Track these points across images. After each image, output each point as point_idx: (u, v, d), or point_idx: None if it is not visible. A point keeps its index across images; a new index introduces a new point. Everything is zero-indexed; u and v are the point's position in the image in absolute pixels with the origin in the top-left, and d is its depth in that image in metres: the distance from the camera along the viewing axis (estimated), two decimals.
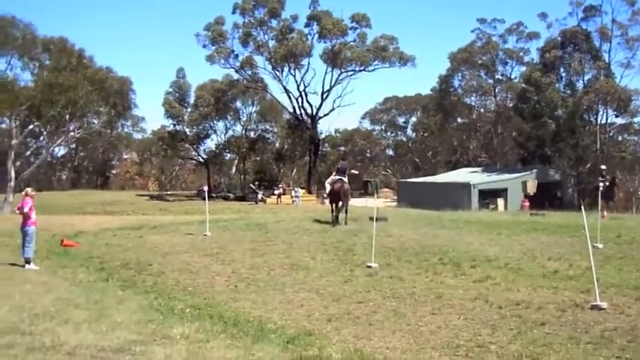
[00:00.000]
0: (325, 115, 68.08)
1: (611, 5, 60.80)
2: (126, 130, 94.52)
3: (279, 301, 11.40)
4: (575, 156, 61.02)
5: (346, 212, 24.21)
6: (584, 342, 8.65)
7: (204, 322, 9.44)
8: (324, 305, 11.06)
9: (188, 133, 72.72)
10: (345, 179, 24.44)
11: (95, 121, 65.91)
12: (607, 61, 61.12)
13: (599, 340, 8.72)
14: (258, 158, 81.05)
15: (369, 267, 14.59)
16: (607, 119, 62.19)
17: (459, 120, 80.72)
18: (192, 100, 72.35)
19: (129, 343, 7.91)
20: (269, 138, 79.41)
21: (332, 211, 24.45)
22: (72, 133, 54.52)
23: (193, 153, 79.03)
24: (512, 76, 72.78)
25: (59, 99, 44.84)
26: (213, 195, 58.70)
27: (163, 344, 7.99)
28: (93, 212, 36.51)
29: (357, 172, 29.62)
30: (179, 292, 12.22)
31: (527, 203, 46.71)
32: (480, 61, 71.83)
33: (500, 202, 49.92)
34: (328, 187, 25.44)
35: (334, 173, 25.45)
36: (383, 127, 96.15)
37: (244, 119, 77.85)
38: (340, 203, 24.15)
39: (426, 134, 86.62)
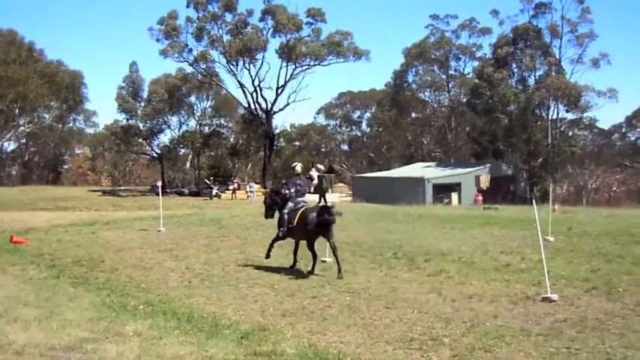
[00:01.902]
0: (280, 110, 67.84)
1: (560, 2, 61.75)
2: (78, 124, 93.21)
3: (234, 297, 11.34)
4: (527, 150, 61.97)
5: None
6: (535, 333, 8.76)
7: (158, 318, 9.32)
8: (279, 300, 11.03)
9: (141, 127, 71.79)
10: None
11: (46, 116, 65.13)
12: (557, 57, 62.09)
13: (550, 332, 8.86)
14: (212, 153, 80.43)
15: (324, 262, 14.59)
16: (558, 114, 63.25)
17: (414, 115, 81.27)
18: (145, 94, 71.49)
19: (80, 340, 7.77)
20: (224, 133, 78.82)
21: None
22: (22, 128, 53.68)
23: (147, 148, 78.09)
24: (466, 72, 73.66)
25: (8, 93, 44.08)
26: (167, 190, 58.27)
27: (115, 342, 7.89)
28: (44, 208, 35.91)
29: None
30: (132, 288, 12.09)
31: (480, 197, 47.25)
32: (433, 57, 72.38)
33: (455, 196, 50.34)
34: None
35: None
36: (338, 122, 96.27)
37: (199, 114, 77.16)
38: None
39: (380, 129, 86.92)
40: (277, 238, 14.76)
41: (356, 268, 13.96)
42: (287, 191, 14.85)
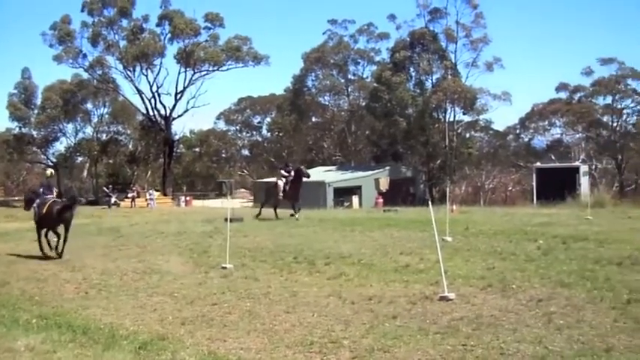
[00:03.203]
0: (179, 116, 67.20)
1: (455, 7, 63.17)
2: None
3: (132, 307, 11.12)
4: (426, 153, 63.12)
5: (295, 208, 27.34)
6: (433, 332, 8.90)
7: (52, 332, 9.05)
8: (178, 309, 10.87)
9: (35, 135, 69.80)
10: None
11: None
12: (453, 61, 63.64)
13: (447, 330, 9.01)
14: (110, 161, 78.73)
15: (224, 268, 14.48)
16: (455, 117, 64.67)
17: (314, 119, 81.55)
18: (39, 101, 69.43)
19: None
20: (122, 140, 77.29)
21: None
22: None
23: (42, 157, 75.83)
24: (364, 76, 74.16)
25: None
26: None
27: (6, 358, 7.62)
28: None
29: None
30: (25, 302, 11.68)
31: (381, 200, 47.94)
32: (332, 61, 72.76)
33: (355, 199, 50.90)
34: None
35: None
36: (238, 127, 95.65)
37: (95, 121, 75.20)
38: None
39: (281, 134, 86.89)
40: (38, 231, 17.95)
41: (257, 274, 13.88)
42: (40, 190, 18.75)
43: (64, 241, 17.38)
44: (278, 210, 28.11)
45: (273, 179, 31.94)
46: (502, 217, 27.52)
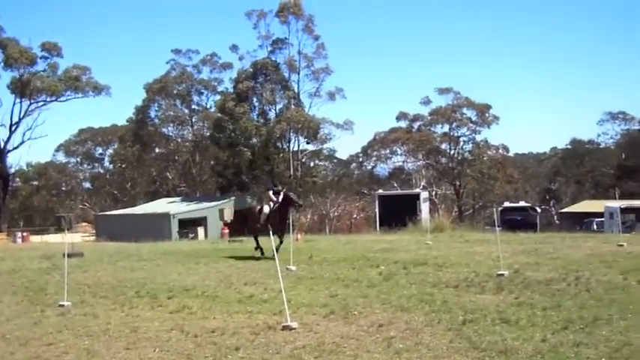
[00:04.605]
0: (15, 148, 64.23)
1: (297, 38, 64.38)
2: None
3: None
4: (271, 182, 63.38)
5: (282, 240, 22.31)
6: None
7: None
8: (10, 351, 10.27)
9: None
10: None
11: None
12: (296, 91, 64.76)
13: (289, 359, 9.08)
14: None
15: (62, 306, 13.86)
16: (299, 146, 65.80)
17: (157, 150, 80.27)
18: None
19: None
20: None
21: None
22: None
23: None
24: (208, 106, 73.89)
25: None
26: None
27: None
28: None
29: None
30: None
31: (226, 230, 47.53)
32: (175, 91, 72.08)
33: (201, 230, 50.39)
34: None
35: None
36: (79, 159, 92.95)
37: None
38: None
39: (124, 165, 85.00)
40: None
41: (96, 310, 13.38)
42: None
43: None
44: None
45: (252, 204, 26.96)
46: (345, 244, 27.97)
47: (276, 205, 23.13)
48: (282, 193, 23.65)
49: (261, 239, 22.53)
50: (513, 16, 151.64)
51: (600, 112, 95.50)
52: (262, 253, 22.24)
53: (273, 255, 13.20)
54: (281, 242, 21.95)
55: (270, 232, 16.87)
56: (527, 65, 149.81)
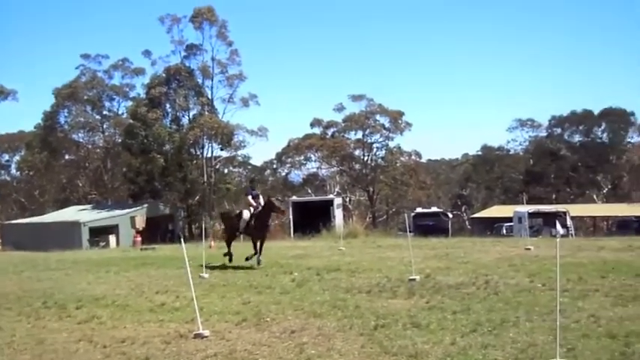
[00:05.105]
0: None
1: (211, 44, 63.96)
2: None
3: None
4: (184, 189, 62.90)
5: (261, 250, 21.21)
6: None
7: None
8: None
9: None
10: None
11: None
12: (210, 97, 64.31)
13: None
14: None
15: None
16: (212, 153, 65.34)
17: (67, 157, 78.21)
18: None
19: None
20: None
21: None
22: None
23: None
24: (120, 112, 72.43)
25: None
26: None
27: None
28: None
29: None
30: None
31: (139, 238, 46.82)
32: (85, 97, 70.36)
33: (112, 238, 49.41)
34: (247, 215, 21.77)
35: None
36: None
37: None
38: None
39: (31, 173, 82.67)
40: None
41: (0, 323, 12.97)
42: None
43: None
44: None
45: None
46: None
47: (257, 210, 21.75)
48: (261, 197, 22.56)
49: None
50: (424, 20, 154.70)
51: (510, 119, 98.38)
52: (230, 260, 21.59)
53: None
54: (259, 252, 21.10)
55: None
56: (439, 71, 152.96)
